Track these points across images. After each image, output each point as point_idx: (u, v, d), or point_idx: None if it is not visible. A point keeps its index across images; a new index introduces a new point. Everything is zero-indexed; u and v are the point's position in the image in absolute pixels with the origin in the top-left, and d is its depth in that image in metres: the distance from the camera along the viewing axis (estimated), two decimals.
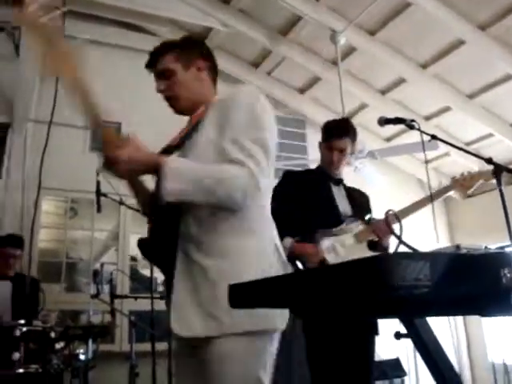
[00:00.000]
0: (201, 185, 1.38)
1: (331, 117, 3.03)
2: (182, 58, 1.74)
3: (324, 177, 2.74)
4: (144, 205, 1.73)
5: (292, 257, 2.56)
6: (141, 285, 4.98)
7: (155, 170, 1.38)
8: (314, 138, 4.85)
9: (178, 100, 1.75)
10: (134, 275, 5.09)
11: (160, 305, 3.58)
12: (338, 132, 2.69)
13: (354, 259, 0.78)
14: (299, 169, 4.44)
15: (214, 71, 1.82)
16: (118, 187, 3.62)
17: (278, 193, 2.76)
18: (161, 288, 4.43)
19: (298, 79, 6.12)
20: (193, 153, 1.52)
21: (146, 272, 5.09)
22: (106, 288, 4.21)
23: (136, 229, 5.09)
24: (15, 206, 4.67)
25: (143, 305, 4.10)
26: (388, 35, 5.06)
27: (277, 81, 6.16)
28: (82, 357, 3.27)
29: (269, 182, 1.58)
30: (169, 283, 1.50)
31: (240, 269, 1.43)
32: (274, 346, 1.48)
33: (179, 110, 1.78)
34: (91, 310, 3.69)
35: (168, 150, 1.62)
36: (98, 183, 3.50)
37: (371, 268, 0.75)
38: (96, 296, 3.45)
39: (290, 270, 1.62)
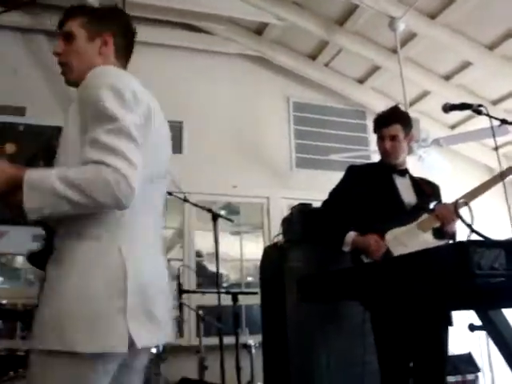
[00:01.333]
0: (63, 197, 1.22)
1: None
2: (89, 26, 1.58)
3: (386, 169, 2.69)
4: None
5: (356, 251, 2.53)
6: (207, 280, 5.08)
7: (19, 186, 1.24)
8: None
9: (71, 70, 1.57)
10: (200, 270, 5.20)
11: (226, 299, 3.66)
12: (385, 120, 2.67)
13: (427, 249, 0.76)
14: (361, 161, 4.37)
15: (125, 50, 1.66)
16: (181, 185, 3.73)
17: (341, 188, 2.75)
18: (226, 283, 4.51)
19: (357, 69, 6.00)
20: (64, 150, 1.42)
21: (212, 267, 5.19)
22: (173, 284, 4.32)
23: (200, 225, 5.19)
24: None
25: (210, 299, 4.19)
26: (450, 17, 4.86)
27: (335, 72, 6.06)
28: (153, 350, 3.37)
29: (142, 174, 1.30)
30: None
31: (61, 278, 1.30)
32: (84, 370, 1.26)
33: (69, 81, 1.60)
34: None
35: None
36: None
37: (445, 257, 0.73)
38: None
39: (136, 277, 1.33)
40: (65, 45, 1.56)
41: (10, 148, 4.85)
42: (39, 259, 1.49)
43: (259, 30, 5.73)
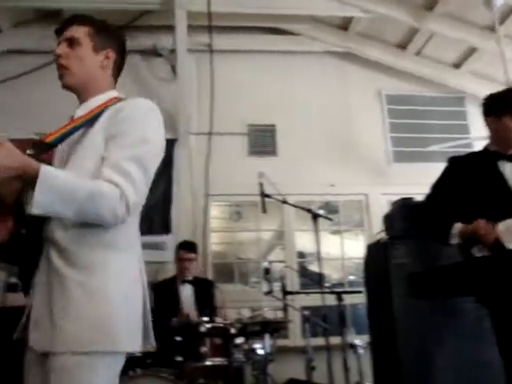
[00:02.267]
0: (71, 201, 1.31)
1: (494, 89, 2.75)
2: (96, 39, 1.64)
3: (491, 156, 2.51)
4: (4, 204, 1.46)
5: (465, 244, 2.39)
6: (310, 280, 5.07)
7: (28, 177, 1.29)
8: (475, 114, 4.49)
9: (70, 74, 1.60)
10: (303, 271, 5.21)
11: (331, 299, 3.62)
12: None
13: None
14: (462, 150, 4.14)
15: (119, 69, 1.72)
16: (280, 187, 3.75)
17: (444, 181, 2.62)
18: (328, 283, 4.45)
19: (452, 54, 5.70)
20: (77, 159, 1.48)
21: (314, 267, 5.17)
22: (276, 285, 4.35)
23: (300, 226, 5.20)
24: (187, 214, 5.08)
25: (313, 300, 4.17)
26: None
27: (428, 59, 5.81)
28: (260, 351, 3.41)
29: (140, 199, 1.47)
30: (26, 286, 1.45)
31: (101, 284, 1.38)
32: (117, 370, 1.39)
33: (65, 85, 1.62)
34: (265, 307, 3.84)
35: (39, 146, 1.46)
36: (261, 185, 3.64)
37: None
38: (269, 293, 3.58)
39: (146, 290, 1.52)
40: (68, 49, 1.60)
41: None
42: (6, 253, 1.44)
43: (344, 25, 5.64)
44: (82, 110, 1.59)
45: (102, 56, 1.64)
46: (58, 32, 1.64)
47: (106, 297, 1.36)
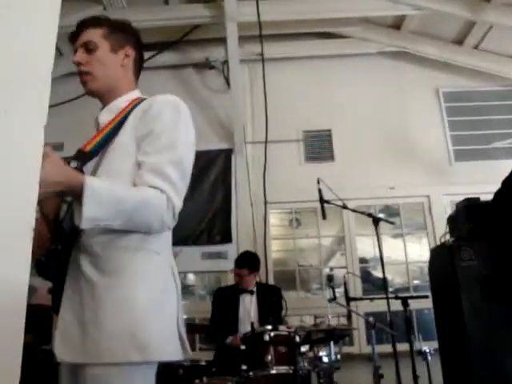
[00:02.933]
0: (120, 212, 1.28)
1: None
2: (112, 38, 1.59)
3: None
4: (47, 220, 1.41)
5: None
6: (373, 286, 4.97)
7: (73, 190, 1.24)
8: None
9: (94, 79, 1.56)
10: (365, 277, 5.12)
11: (395, 305, 3.53)
12: None
13: None
14: None
15: (139, 65, 1.68)
16: (338, 192, 3.71)
17: None
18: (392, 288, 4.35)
19: None
20: (109, 162, 1.44)
21: (376, 273, 5.07)
22: (339, 291, 4.30)
23: (360, 231, 5.12)
24: (247, 222, 5.12)
25: (377, 305, 4.08)
26: None
27: (487, 53, 5.58)
28: (325, 359, 3.37)
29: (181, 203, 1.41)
30: (56, 299, 1.38)
31: (131, 290, 1.33)
32: (152, 378, 1.35)
33: (91, 91, 1.58)
34: (329, 314, 3.80)
35: (83, 157, 1.43)
36: (320, 191, 3.62)
37: None
38: (333, 300, 3.54)
39: (179, 293, 1.46)
40: (87, 54, 1.56)
41: None
42: (46, 268, 1.38)
43: (396, 24, 5.53)
44: (107, 114, 1.56)
45: (122, 55, 1.61)
46: (73, 38, 1.60)
47: (137, 305, 1.32)
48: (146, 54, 5.58)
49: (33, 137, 0.78)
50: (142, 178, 1.36)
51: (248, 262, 4.06)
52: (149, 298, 1.35)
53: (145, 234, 1.39)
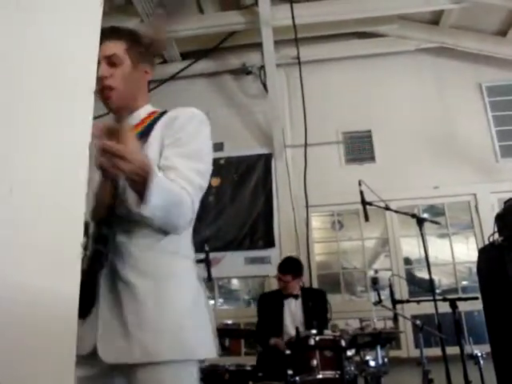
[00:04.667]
0: (166, 206, 1.30)
1: None
2: (133, 53, 1.57)
3: None
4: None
5: None
6: (419, 288, 4.87)
7: (140, 175, 1.24)
8: None
9: (118, 94, 1.54)
10: (411, 278, 5.01)
11: (443, 307, 3.44)
12: None
13: None
14: None
15: (149, 82, 1.69)
16: (380, 193, 3.66)
17: None
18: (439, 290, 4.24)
19: None
20: None
21: (422, 274, 4.96)
22: (384, 294, 4.24)
23: (404, 232, 5.03)
24: (289, 226, 5.11)
25: (424, 308, 4.00)
26: None
27: None
28: (372, 363, 3.32)
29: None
30: (86, 300, 1.30)
31: (170, 292, 1.38)
32: (197, 374, 1.39)
33: (113, 105, 1.56)
34: (375, 317, 3.74)
35: None
36: (362, 193, 3.57)
37: None
38: (378, 303, 3.48)
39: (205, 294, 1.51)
40: (110, 68, 1.54)
41: (214, 182, 5.34)
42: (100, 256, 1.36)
43: (435, 19, 5.41)
44: None
45: (142, 71, 1.62)
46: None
47: (176, 305, 1.38)
48: (183, 64, 5.74)
49: (82, 151, 0.80)
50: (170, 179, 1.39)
51: (291, 267, 4.04)
52: (187, 299, 1.41)
53: (177, 241, 1.45)
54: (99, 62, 1.51)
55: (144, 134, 1.50)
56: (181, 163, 1.41)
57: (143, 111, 1.61)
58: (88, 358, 1.34)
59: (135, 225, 1.39)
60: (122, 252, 1.40)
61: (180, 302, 1.40)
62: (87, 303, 1.33)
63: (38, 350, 0.67)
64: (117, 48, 1.55)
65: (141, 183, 1.25)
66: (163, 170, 1.40)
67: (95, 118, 0.86)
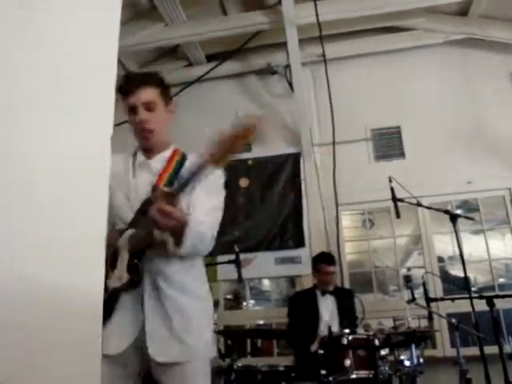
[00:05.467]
0: (199, 243, 1.68)
1: None
2: (164, 97, 1.84)
3: None
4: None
5: None
6: (454, 285, 4.76)
7: (180, 228, 1.60)
8: None
9: (155, 135, 1.82)
10: (445, 276, 4.90)
11: (480, 305, 3.35)
12: None
13: None
14: None
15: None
16: (411, 190, 3.59)
17: None
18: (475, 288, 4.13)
19: None
20: (194, 207, 1.77)
21: (456, 271, 4.85)
22: (418, 292, 4.15)
23: (437, 228, 4.92)
24: (318, 225, 5.07)
25: (460, 306, 3.90)
26: None
27: None
28: (407, 363, 3.26)
29: None
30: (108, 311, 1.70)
31: (206, 309, 1.82)
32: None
33: (150, 145, 1.85)
34: (408, 316, 3.67)
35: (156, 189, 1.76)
36: (392, 190, 3.50)
37: None
38: (412, 301, 3.41)
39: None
40: (148, 112, 1.78)
41: (243, 182, 5.34)
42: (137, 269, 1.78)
43: (463, 10, 5.27)
44: (158, 162, 1.85)
45: (170, 112, 1.89)
46: (126, 91, 1.79)
47: (205, 313, 1.81)
48: (208, 66, 5.75)
49: (105, 144, 0.81)
50: (197, 217, 1.70)
51: (333, 258, 4.02)
52: (209, 311, 1.85)
53: (201, 266, 1.88)
54: (138, 107, 1.78)
55: (175, 174, 1.79)
56: (206, 207, 1.75)
57: (168, 152, 1.88)
58: (118, 358, 1.67)
59: (165, 249, 1.72)
60: (165, 275, 1.74)
61: (208, 317, 1.83)
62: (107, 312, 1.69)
63: (64, 345, 0.68)
64: (153, 94, 1.80)
65: (179, 232, 1.60)
66: (193, 207, 1.75)
67: (116, 125, 0.86)
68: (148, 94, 1.79)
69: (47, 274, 0.67)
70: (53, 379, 0.66)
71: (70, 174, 0.73)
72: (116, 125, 0.88)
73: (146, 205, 1.69)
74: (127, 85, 1.80)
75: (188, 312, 1.73)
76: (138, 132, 1.82)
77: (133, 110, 1.79)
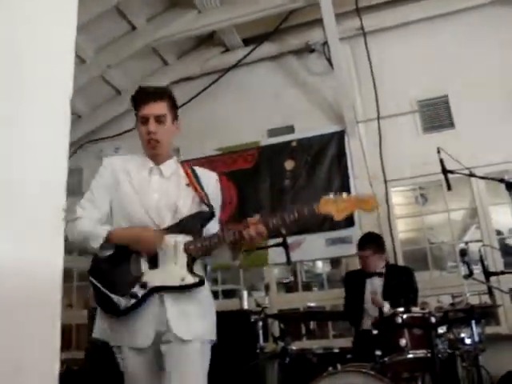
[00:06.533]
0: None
1: None
2: (173, 111, 2.05)
3: None
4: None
5: None
6: None
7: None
8: None
9: (162, 146, 2.02)
10: (505, 249, 4.65)
11: None
12: None
13: None
14: None
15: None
16: (464, 160, 3.40)
17: None
18: None
19: None
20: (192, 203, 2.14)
21: None
22: (476, 268, 3.98)
23: (494, 200, 4.65)
24: None
25: None
26: None
27: None
28: (467, 341, 3.13)
29: None
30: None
31: (210, 296, 2.11)
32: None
33: (157, 153, 2.05)
34: (467, 292, 3.51)
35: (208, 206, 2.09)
36: (442, 161, 3.32)
37: None
38: (469, 276, 3.26)
39: None
40: (158, 124, 1.97)
41: (289, 165, 5.27)
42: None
43: None
44: (168, 168, 2.08)
45: (176, 125, 2.09)
46: (140, 103, 2.00)
47: (211, 301, 2.11)
48: (245, 50, 5.69)
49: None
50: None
51: (370, 242, 3.93)
52: (211, 295, 2.14)
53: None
54: (149, 118, 1.97)
55: (192, 182, 2.07)
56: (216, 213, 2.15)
57: (172, 161, 2.13)
58: (144, 350, 1.93)
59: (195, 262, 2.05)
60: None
61: (212, 303, 2.13)
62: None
63: (23, 318, 0.72)
64: (164, 108, 1.99)
65: (239, 248, 2.07)
66: None
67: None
68: (160, 107, 1.98)
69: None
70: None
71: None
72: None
73: (200, 217, 2.05)
74: (142, 97, 1.99)
75: (200, 299, 2.01)
76: (145, 141, 2.02)
77: (144, 120, 1.98)
